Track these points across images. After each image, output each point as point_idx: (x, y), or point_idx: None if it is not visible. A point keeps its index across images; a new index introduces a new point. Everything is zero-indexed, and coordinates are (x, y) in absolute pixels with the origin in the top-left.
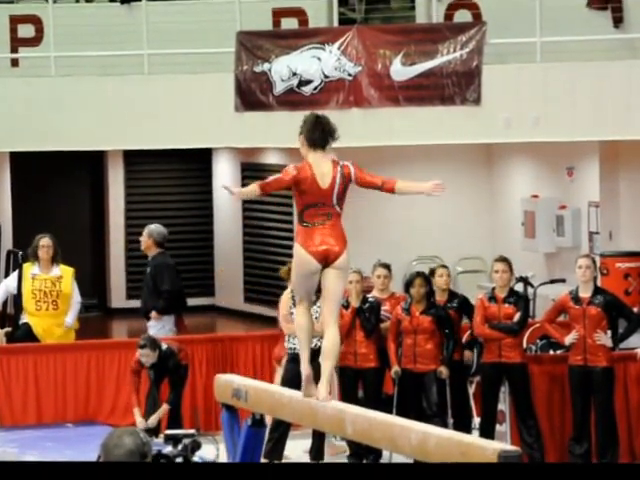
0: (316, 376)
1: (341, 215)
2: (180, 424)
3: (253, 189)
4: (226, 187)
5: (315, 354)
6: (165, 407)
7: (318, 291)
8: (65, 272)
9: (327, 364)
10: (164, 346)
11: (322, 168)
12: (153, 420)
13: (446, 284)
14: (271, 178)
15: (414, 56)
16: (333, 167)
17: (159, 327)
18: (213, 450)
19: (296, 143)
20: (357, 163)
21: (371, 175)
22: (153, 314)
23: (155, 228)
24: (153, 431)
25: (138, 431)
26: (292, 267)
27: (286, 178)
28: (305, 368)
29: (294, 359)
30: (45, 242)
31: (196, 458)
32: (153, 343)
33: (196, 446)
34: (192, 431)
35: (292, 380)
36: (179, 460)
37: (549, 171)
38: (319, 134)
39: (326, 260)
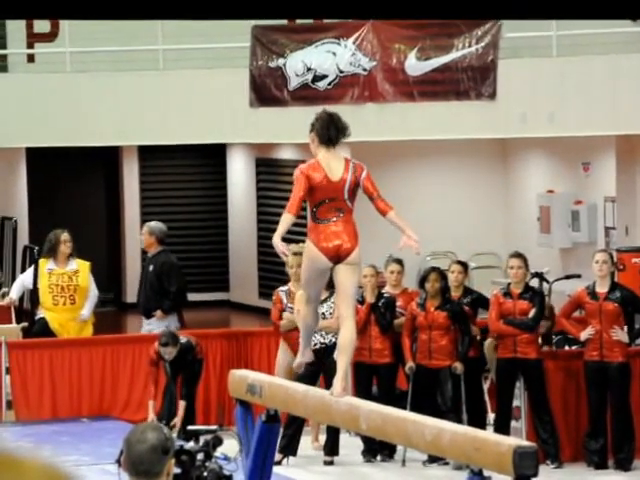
0: (332, 372)
1: (352, 211)
2: (193, 420)
3: (288, 219)
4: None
5: (330, 350)
6: (182, 404)
7: (331, 287)
8: (82, 266)
9: (342, 359)
10: (183, 339)
11: (333, 163)
12: (177, 422)
13: (457, 281)
14: (293, 196)
15: (429, 50)
16: (345, 163)
17: (164, 325)
18: (235, 445)
19: (307, 139)
20: (370, 172)
21: (374, 187)
22: (158, 313)
23: (156, 225)
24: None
25: (161, 426)
26: (303, 263)
27: (302, 184)
28: (305, 355)
29: None
30: (66, 237)
31: (217, 454)
32: (175, 339)
33: (218, 442)
34: (214, 427)
35: (306, 377)
36: (200, 455)
37: (565, 166)
38: (332, 131)
39: (338, 257)
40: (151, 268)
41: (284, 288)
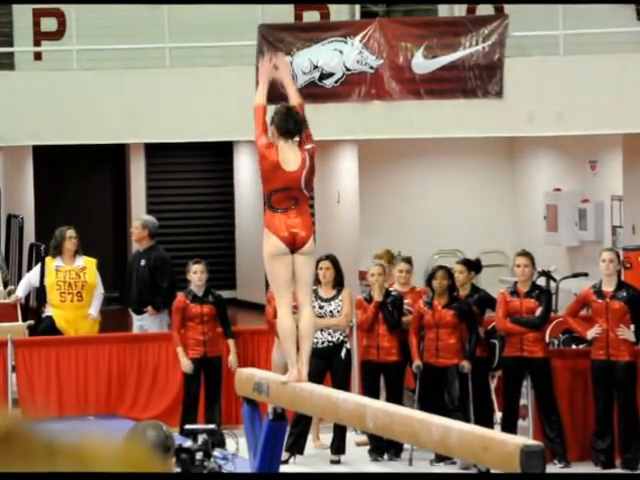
0: (339, 370)
1: (308, 200)
2: (218, 418)
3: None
4: None
5: (338, 348)
6: (232, 341)
7: (339, 284)
8: (88, 263)
9: (305, 345)
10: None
11: (290, 155)
12: (233, 360)
13: (459, 280)
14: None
15: (436, 49)
16: (301, 152)
17: (157, 321)
18: (233, 445)
19: (271, 135)
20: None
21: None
22: (150, 310)
23: (150, 219)
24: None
25: (161, 424)
26: (264, 257)
27: (265, 129)
28: (294, 373)
29: (314, 353)
30: (71, 233)
31: (216, 453)
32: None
33: (216, 441)
34: (212, 426)
35: (313, 375)
36: (200, 454)
37: (572, 164)
38: (291, 123)
39: (293, 244)
40: (143, 263)
41: None
